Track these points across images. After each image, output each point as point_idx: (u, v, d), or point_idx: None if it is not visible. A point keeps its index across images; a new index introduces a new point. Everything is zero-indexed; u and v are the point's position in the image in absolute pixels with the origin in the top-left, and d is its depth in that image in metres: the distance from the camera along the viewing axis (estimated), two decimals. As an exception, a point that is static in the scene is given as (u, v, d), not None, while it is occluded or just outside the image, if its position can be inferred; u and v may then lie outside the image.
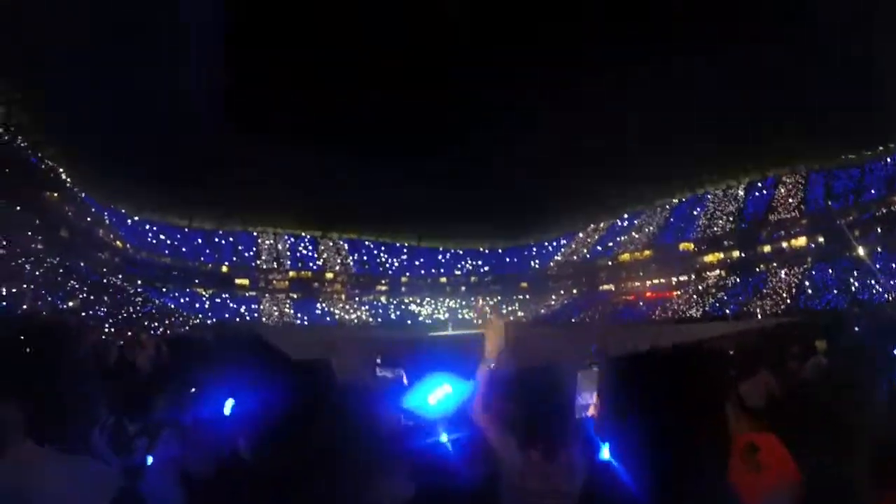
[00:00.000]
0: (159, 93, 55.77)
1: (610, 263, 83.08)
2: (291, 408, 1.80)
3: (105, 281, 53.69)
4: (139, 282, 61.84)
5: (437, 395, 2.70)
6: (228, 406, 2.26)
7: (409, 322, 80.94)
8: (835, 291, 50.35)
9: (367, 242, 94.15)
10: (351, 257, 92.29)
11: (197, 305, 68.73)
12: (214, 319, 62.38)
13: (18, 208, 45.14)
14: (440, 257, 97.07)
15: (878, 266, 47.51)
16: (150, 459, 2.48)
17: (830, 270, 53.48)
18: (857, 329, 12.25)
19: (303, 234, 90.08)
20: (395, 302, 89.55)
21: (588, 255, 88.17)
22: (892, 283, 45.31)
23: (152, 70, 53.64)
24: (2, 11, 40.75)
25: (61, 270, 46.83)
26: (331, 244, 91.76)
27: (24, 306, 36.45)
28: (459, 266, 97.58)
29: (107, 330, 35.90)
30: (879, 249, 50.16)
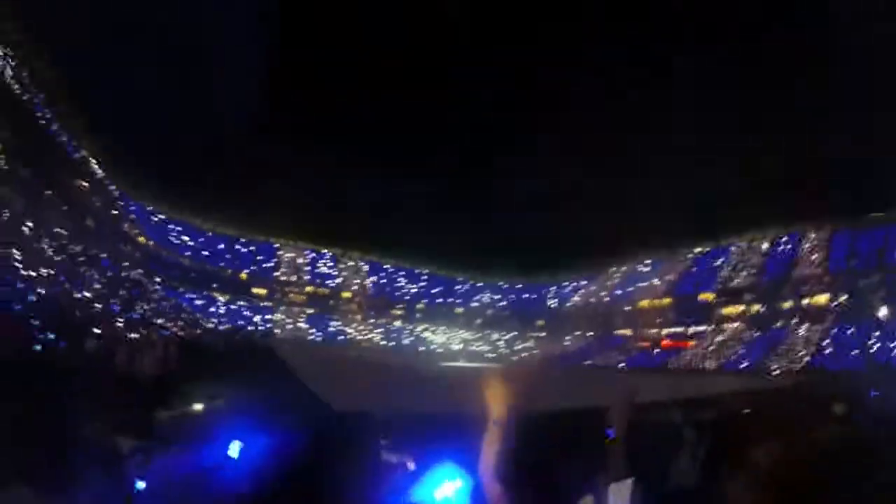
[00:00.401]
0: (196, 96, 57.66)
1: (628, 308, 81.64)
2: (294, 464, 1.70)
3: (123, 275, 54.72)
4: (157, 279, 62.91)
5: (444, 489, 2.52)
6: (234, 448, 2.11)
7: (421, 349, 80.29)
8: (854, 353, 48.61)
9: (386, 266, 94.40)
10: (370, 279, 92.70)
11: (212, 309, 69.48)
12: (228, 325, 62.91)
13: (49, 192, 46.71)
14: (458, 287, 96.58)
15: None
16: (139, 484, 2.29)
17: (851, 331, 51.76)
18: (875, 394, 11.67)
19: (324, 250, 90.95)
20: (409, 328, 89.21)
21: (607, 299, 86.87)
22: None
23: (194, 75, 55.62)
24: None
25: (82, 259, 47.92)
26: (351, 264, 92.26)
27: (41, 290, 37.08)
28: (476, 298, 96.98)
29: (118, 324, 36.28)
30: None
